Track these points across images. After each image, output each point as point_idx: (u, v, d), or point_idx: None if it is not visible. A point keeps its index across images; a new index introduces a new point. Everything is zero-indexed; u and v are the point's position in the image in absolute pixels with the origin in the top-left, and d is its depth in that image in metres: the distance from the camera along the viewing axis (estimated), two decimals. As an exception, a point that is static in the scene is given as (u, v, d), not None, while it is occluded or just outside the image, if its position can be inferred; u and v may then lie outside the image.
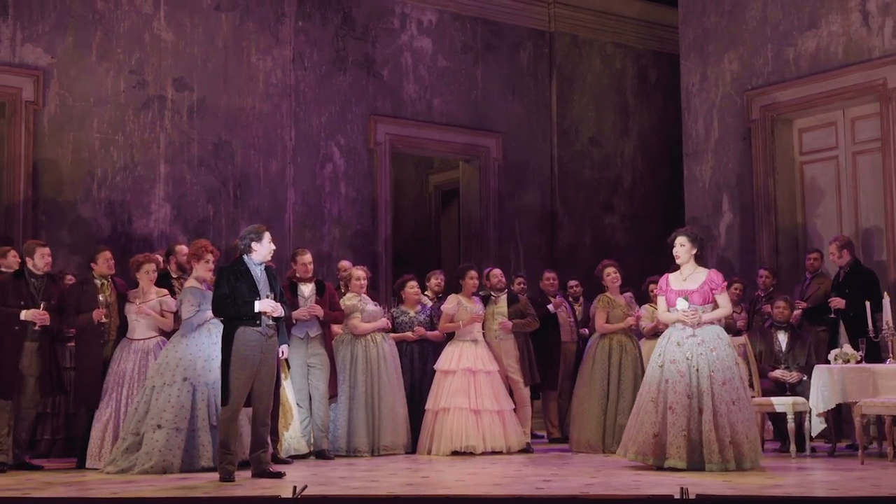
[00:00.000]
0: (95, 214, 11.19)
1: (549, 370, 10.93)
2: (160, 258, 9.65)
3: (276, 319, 7.64)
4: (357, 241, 12.73)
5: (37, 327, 8.42)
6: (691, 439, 7.66)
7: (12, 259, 8.74)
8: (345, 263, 10.92)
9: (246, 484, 7.22)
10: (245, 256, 7.67)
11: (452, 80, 13.55)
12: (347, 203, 12.69)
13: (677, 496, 5.56)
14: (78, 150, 11.15)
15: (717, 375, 7.76)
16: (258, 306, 7.50)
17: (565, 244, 14.18)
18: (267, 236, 7.68)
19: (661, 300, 8.19)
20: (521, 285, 11.53)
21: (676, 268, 8.27)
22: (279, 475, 7.54)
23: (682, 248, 8.11)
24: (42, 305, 8.42)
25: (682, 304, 7.90)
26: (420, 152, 14.11)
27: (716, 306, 8.03)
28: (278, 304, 7.59)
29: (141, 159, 11.48)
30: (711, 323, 7.95)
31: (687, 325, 7.92)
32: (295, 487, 5.90)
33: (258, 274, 7.66)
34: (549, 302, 11.04)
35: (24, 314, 8.39)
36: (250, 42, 12.18)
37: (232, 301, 7.52)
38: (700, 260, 8.26)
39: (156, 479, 7.66)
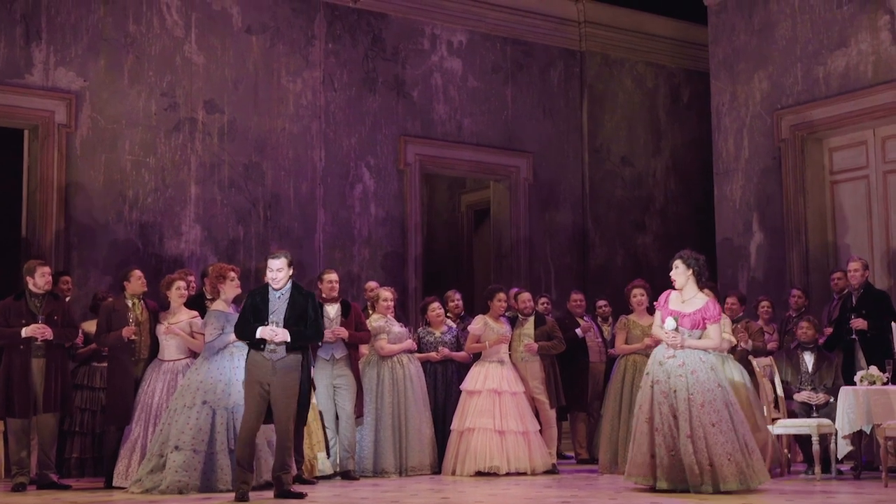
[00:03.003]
0: (127, 236, 11.32)
1: (577, 391, 10.93)
2: (192, 278, 9.75)
3: (298, 345, 7.72)
4: (387, 262, 12.78)
5: (39, 341, 8.53)
6: (676, 460, 7.59)
7: (39, 278, 8.83)
8: (372, 284, 10.98)
9: (257, 502, 7.26)
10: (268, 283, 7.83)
11: (483, 101, 13.59)
12: (377, 224, 12.76)
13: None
14: (110, 173, 11.29)
15: (695, 398, 7.69)
16: (258, 333, 7.64)
17: (597, 264, 14.15)
18: (269, 263, 7.83)
19: (657, 315, 8.16)
20: (546, 305, 11.52)
21: None
22: (301, 496, 7.58)
23: (677, 270, 8.07)
24: (40, 320, 8.53)
25: (669, 323, 7.88)
26: (450, 172, 14.16)
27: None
28: (281, 331, 7.64)
29: (172, 181, 11.60)
30: (696, 349, 7.89)
31: (669, 346, 7.88)
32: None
33: (276, 298, 7.75)
34: (577, 324, 11.04)
35: (25, 331, 8.51)
36: (280, 64, 12.30)
37: (246, 325, 7.70)
38: (703, 283, 8.17)
39: (173, 498, 7.73)
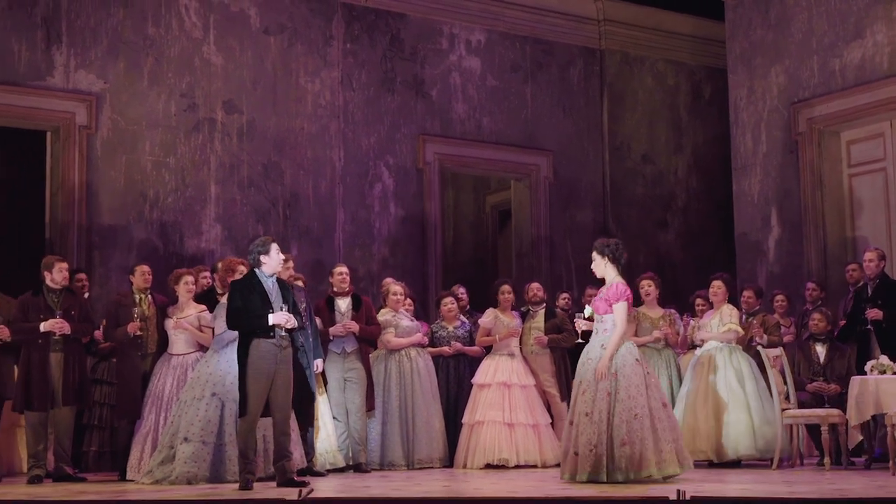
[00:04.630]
0: (148, 235, 11.48)
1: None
2: (207, 273, 9.89)
3: (290, 331, 7.77)
4: (407, 261, 12.86)
5: (57, 336, 8.69)
6: (598, 453, 7.54)
7: (57, 273, 9.00)
8: (388, 280, 11.07)
9: (264, 491, 7.35)
10: (256, 270, 7.83)
11: (502, 100, 13.65)
12: (397, 223, 12.84)
13: (673, 497, 5.56)
14: (130, 173, 11.46)
15: (582, 386, 7.70)
16: (272, 319, 7.65)
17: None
18: (274, 247, 7.83)
19: (586, 308, 8.14)
20: (567, 300, 11.56)
21: None
22: (304, 484, 7.66)
23: (594, 262, 8.07)
24: (58, 315, 8.69)
25: (587, 311, 7.98)
26: (469, 171, 14.23)
27: None
28: (291, 316, 7.71)
29: (192, 181, 11.76)
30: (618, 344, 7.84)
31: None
32: (300, 491, 6.01)
33: (270, 286, 7.80)
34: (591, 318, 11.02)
35: (43, 325, 8.67)
36: (299, 64, 12.43)
37: (245, 314, 7.68)
38: (620, 265, 8.05)
39: (182, 488, 7.85)
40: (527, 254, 13.81)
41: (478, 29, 13.58)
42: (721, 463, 9.20)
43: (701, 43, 14.90)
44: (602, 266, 8.00)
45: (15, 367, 9.03)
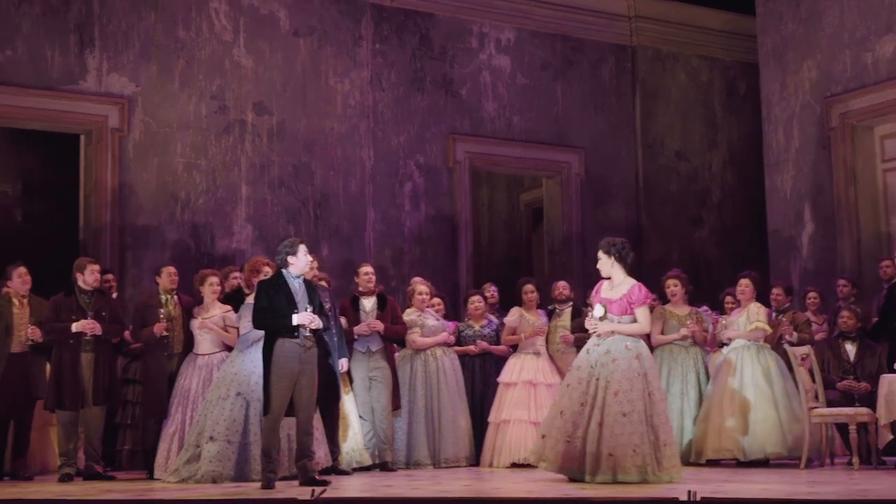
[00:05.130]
0: (179, 236, 11.60)
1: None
2: (237, 274, 9.96)
3: (314, 331, 7.82)
4: (437, 260, 12.89)
5: (88, 336, 8.81)
6: (574, 446, 7.48)
7: (89, 275, 9.11)
8: (415, 279, 11.10)
9: (277, 491, 7.40)
10: (283, 270, 7.89)
11: (532, 98, 13.64)
12: (427, 221, 12.87)
13: (683, 498, 5.54)
14: (162, 175, 11.58)
15: (612, 386, 7.58)
16: (296, 319, 7.70)
17: (653, 259, 14.07)
18: (302, 249, 7.88)
19: (597, 307, 8.06)
20: (596, 299, 11.53)
21: None
22: (325, 483, 7.71)
23: (600, 261, 8.00)
24: (90, 315, 8.81)
25: (598, 310, 7.82)
26: (500, 170, 14.25)
27: (635, 320, 7.89)
28: (316, 317, 7.76)
29: (223, 182, 11.86)
30: (626, 334, 7.79)
31: (591, 333, 7.83)
32: (313, 490, 6.06)
33: (296, 287, 7.86)
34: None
35: (75, 326, 8.79)
36: (328, 65, 12.50)
37: (271, 314, 7.74)
38: (630, 269, 8.04)
39: (207, 487, 7.93)
40: (559, 252, 13.79)
41: (507, 28, 13.57)
42: (749, 462, 9.14)
43: (735, 38, 14.79)
44: (609, 266, 7.98)
45: (47, 366, 9.17)
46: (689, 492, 5.55)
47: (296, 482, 7.93)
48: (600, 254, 7.98)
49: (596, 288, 8.14)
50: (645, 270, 13.77)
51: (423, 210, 12.87)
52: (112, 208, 11.31)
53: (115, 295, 10.14)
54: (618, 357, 7.69)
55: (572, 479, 7.51)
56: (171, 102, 11.70)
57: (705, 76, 14.76)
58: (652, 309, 9.88)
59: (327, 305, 8.88)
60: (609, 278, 8.06)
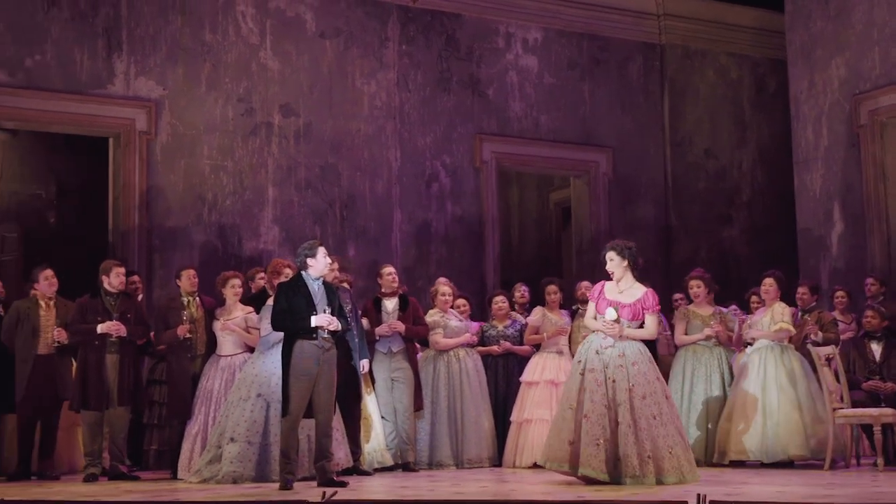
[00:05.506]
0: (207, 238, 11.69)
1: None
2: (263, 274, 10.01)
3: (333, 333, 7.87)
4: (464, 260, 12.90)
5: (113, 338, 8.91)
6: (606, 450, 7.46)
7: (115, 278, 9.21)
8: (440, 280, 11.12)
9: (299, 492, 7.45)
10: (303, 272, 7.95)
11: (559, 97, 13.61)
12: (454, 222, 12.89)
13: (693, 501, 5.52)
14: (189, 177, 11.68)
15: (637, 390, 7.56)
16: (314, 321, 7.75)
17: (681, 258, 14.00)
18: (321, 251, 7.93)
19: (590, 306, 8.03)
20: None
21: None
22: (343, 484, 7.75)
23: (612, 262, 7.96)
24: (115, 317, 8.90)
25: (610, 313, 7.76)
26: (527, 169, 14.25)
27: (642, 325, 7.87)
28: (334, 319, 7.81)
29: (250, 183, 11.94)
30: (633, 339, 7.80)
31: (608, 336, 7.78)
32: (324, 493, 6.09)
33: (315, 289, 7.90)
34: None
35: (100, 327, 8.89)
36: (354, 67, 12.54)
37: (289, 316, 7.80)
38: (637, 274, 8.02)
39: (227, 487, 8.00)
40: (587, 251, 13.75)
41: (534, 27, 13.56)
42: (772, 463, 9.08)
43: (765, 35, 14.67)
44: (622, 268, 7.95)
45: (73, 367, 9.28)
46: (699, 495, 5.52)
47: (315, 483, 7.97)
48: (613, 255, 7.95)
49: (598, 288, 8.09)
50: (673, 269, 13.76)
51: (450, 210, 12.89)
52: (140, 210, 11.42)
53: (141, 297, 10.24)
54: (637, 361, 7.69)
55: (590, 482, 7.49)
56: (197, 105, 11.79)
57: (734, 73, 14.67)
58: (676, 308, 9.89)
59: (348, 307, 8.93)
60: (611, 279, 8.01)
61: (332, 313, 7.84)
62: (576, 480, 7.64)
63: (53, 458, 9.32)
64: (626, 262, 7.93)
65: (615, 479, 7.48)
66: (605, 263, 8.04)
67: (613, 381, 7.62)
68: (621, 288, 7.96)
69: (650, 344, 10.67)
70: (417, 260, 12.59)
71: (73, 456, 9.69)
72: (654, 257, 13.95)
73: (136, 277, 10.33)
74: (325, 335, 7.83)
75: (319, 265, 7.93)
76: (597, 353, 7.78)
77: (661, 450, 7.45)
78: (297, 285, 7.92)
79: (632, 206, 13.95)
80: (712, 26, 14.46)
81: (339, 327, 7.88)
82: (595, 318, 7.94)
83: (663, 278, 13.36)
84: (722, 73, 14.58)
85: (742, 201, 14.53)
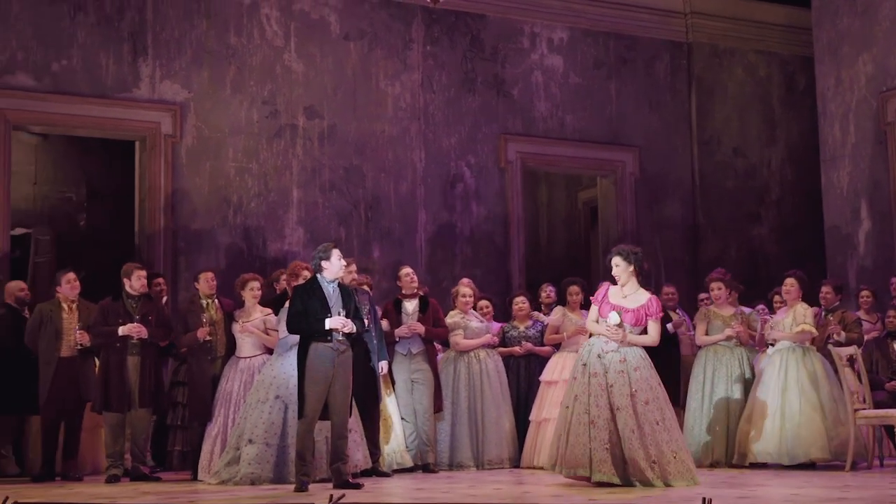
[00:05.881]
0: (232, 240, 11.76)
1: (670, 385, 10.79)
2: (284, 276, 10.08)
3: (348, 335, 7.90)
4: (490, 260, 12.90)
5: (134, 339, 9.00)
6: (614, 454, 7.45)
7: (136, 281, 9.31)
8: (463, 280, 11.13)
9: (317, 494, 7.49)
10: (318, 275, 7.99)
11: (585, 97, 13.57)
12: (479, 222, 12.89)
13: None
14: (214, 179, 11.76)
15: (640, 395, 7.55)
16: (328, 323, 7.78)
17: (709, 257, 13.91)
18: (335, 253, 7.97)
19: (593, 309, 8.00)
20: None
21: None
22: (358, 486, 7.79)
23: (618, 267, 7.92)
24: (136, 320, 8.99)
25: (613, 317, 7.73)
26: (552, 169, 14.23)
27: (645, 331, 7.82)
28: (348, 321, 7.84)
29: (274, 186, 12.00)
30: (635, 345, 7.77)
31: (611, 340, 7.74)
32: (331, 496, 6.12)
33: (331, 291, 7.94)
34: (669, 318, 10.94)
35: (121, 329, 8.99)
36: (378, 68, 12.57)
37: (304, 318, 7.84)
38: (642, 279, 7.99)
39: (244, 489, 8.06)
40: (613, 251, 13.66)
41: (559, 27, 13.53)
42: (793, 465, 9.00)
43: (794, 32, 14.53)
44: (627, 273, 7.92)
45: (96, 368, 9.39)
46: (704, 499, 5.49)
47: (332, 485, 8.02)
48: (619, 260, 7.93)
49: (601, 293, 8.07)
50: (700, 269, 13.66)
51: (475, 211, 12.88)
52: (165, 213, 11.51)
53: (165, 299, 10.33)
54: (639, 366, 7.70)
55: (599, 484, 7.48)
56: (222, 108, 11.86)
57: (763, 71, 14.55)
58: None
59: (366, 308, 8.97)
60: (617, 283, 8.00)
61: (348, 316, 7.88)
62: (575, 482, 7.63)
63: (77, 459, 9.43)
64: (631, 268, 7.90)
65: (626, 481, 7.46)
66: (610, 268, 8.00)
67: (612, 385, 7.63)
68: (625, 293, 7.93)
69: (667, 346, 10.76)
70: (442, 261, 12.61)
71: (98, 457, 9.79)
72: (681, 256, 13.90)
73: (160, 280, 10.43)
74: (340, 337, 7.87)
75: (334, 267, 7.97)
76: (599, 357, 7.77)
77: (666, 455, 7.46)
78: (313, 288, 7.97)
79: (659, 206, 13.88)
80: (740, 24, 14.35)
81: (354, 329, 7.91)
82: (597, 322, 7.91)
83: (690, 278, 13.31)
84: (750, 71, 14.46)
85: (771, 200, 14.42)
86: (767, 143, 14.47)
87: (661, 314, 7.93)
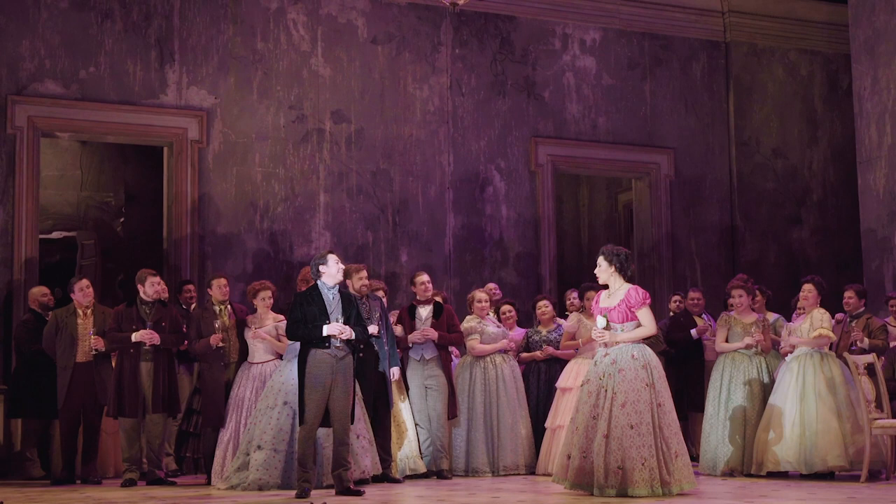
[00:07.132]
0: (259, 244, 11.81)
1: (694, 391, 10.66)
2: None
3: (347, 342, 7.88)
4: (520, 264, 12.79)
5: (147, 346, 9.07)
6: (588, 461, 7.31)
7: (149, 287, 9.39)
8: (490, 285, 11.10)
9: (317, 500, 7.46)
10: (318, 282, 7.98)
11: (619, 98, 13.40)
12: (509, 225, 12.79)
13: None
14: (241, 184, 11.81)
15: (618, 398, 7.35)
16: (326, 330, 7.77)
17: (748, 260, 13.67)
18: (332, 259, 7.96)
19: (598, 318, 7.82)
20: (678, 304, 11.36)
21: None
22: (359, 493, 7.76)
23: (599, 268, 7.78)
24: (149, 326, 9.06)
25: (600, 321, 7.60)
26: (584, 172, 14.08)
27: (640, 324, 7.63)
28: (346, 328, 7.81)
29: (301, 190, 12.02)
30: (629, 342, 7.57)
31: (601, 344, 7.60)
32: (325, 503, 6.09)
33: (330, 298, 7.92)
34: (694, 323, 10.84)
35: (135, 335, 9.07)
36: (406, 72, 12.53)
37: (303, 325, 7.84)
38: (626, 276, 7.77)
39: (251, 495, 8.08)
40: (648, 254, 13.51)
41: (592, 28, 13.38)
42: (811, 474, 8.78)
43: (837, 30, 14.18)
44: (608, 274, 7.78)
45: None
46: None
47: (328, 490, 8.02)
48: (601, 260, 7.81)
49: (595, 298, 8.01)
50: (738, 272, 13.39)
51: (505, 214, 12.79)
52: (192, 218, 11.59)
53: (193, 306, 10.41)
54: (624, 368, 7.51)
55: (590, 494, 7.36)
56: (249, 113, 11.92)
57: (805, 70, 14.25)
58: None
59: (377, 314, 8.95)
60: (605, 286, 7.88)
61: (347, 322, 7.85)
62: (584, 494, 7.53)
63: (96, 463, 9.54)
64: (612, 268, 7.76)
65: (588, 490, 7.37)
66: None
67: (606, 390, 7.51)
68: (610, 293, 7.82)
69: (692, 351, 10.58)
70: (471, 265, 12.53)
71: (118, 460, 9.89)
72: (718, 260, 13.67)
73: (190, 286, 10.52)
74: (339, 344, 7.84)
75: (331, 273, 7.96)
76: (595, 364, 7.68)
77: (633, 461, 7.23)
78: (312, 295, 7.96)
79: (695, 208, 13.66)
80: (781, 22, 14.07)
81: (353, 336, 7.88)
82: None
83: (727, 281, 13.00)
84: (791, 70, 14.18)
85: (813, 202, 14.12)
86: (809, 143, 14.18)
87: (646, 301, 7.65)
